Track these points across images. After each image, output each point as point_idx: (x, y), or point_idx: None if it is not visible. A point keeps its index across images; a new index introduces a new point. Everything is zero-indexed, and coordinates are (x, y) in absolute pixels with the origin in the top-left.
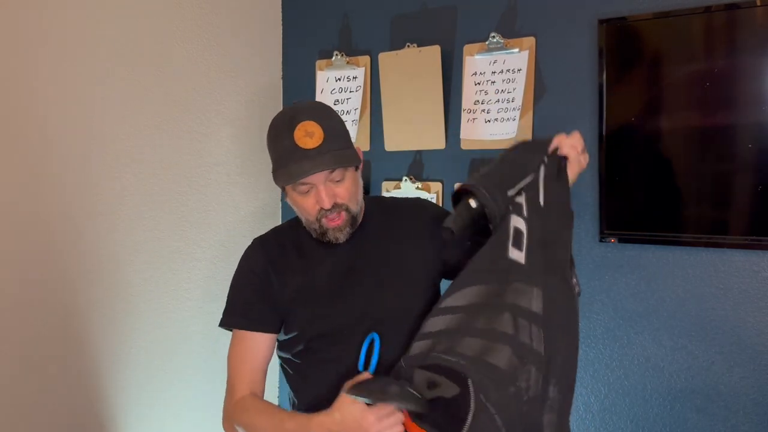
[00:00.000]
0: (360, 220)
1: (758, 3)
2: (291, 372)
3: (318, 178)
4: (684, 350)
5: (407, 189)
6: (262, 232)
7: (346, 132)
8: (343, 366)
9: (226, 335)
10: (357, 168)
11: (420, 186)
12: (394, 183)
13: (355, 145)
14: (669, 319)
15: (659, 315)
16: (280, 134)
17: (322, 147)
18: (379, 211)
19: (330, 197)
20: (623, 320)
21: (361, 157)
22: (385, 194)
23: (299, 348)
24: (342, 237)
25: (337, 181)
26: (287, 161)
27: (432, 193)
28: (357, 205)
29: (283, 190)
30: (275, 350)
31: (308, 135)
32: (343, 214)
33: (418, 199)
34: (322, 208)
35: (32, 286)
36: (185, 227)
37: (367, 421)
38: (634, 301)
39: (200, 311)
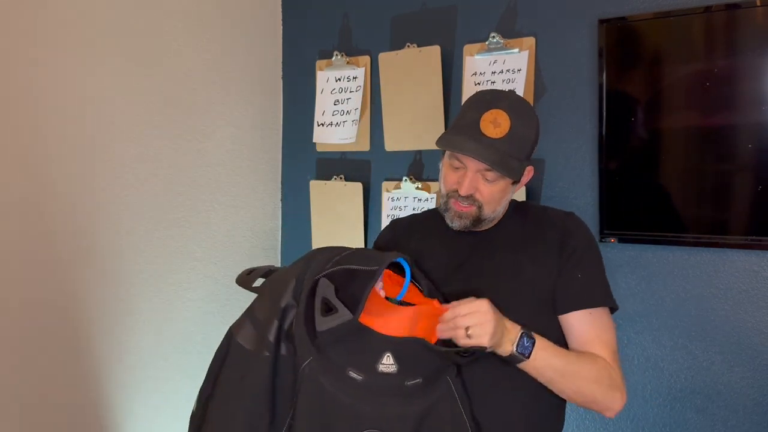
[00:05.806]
0: (486, 226)
1: (758, 3)
2: None
3: (472, 164)
4: (684, 350)
5: (407, 189)
6: (262, 231)
7: (532, 144)
8: None
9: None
10: (516, 182)
11: (420, 186)
12: (394, 183)
13: (529, 165)
14: (669, 319)
15: (659, 315)
16: (473, 106)
17: (498, 142)
18: (519, 218)
19: (471, 188)
20: (623, 320)
21: (530, 175)
22: (385, 194)
23: None
24: (458, 224)
25: (488, 181)
26: (459, 132)
27: (432, 193)
28: (492, 211)
29: (443, 154)
30: None
31: (494, 123)
32: (474, 208)
33: (568, 216)
34: (458, 190)
35: (33, 286)
36: (185, 227)
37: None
38: (634, 301)
39: (200, 311)
